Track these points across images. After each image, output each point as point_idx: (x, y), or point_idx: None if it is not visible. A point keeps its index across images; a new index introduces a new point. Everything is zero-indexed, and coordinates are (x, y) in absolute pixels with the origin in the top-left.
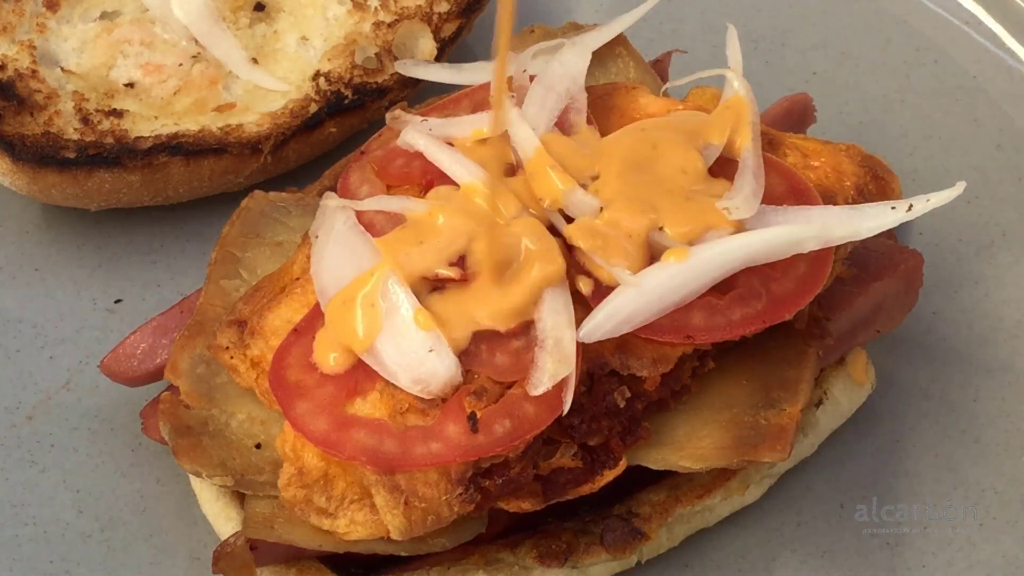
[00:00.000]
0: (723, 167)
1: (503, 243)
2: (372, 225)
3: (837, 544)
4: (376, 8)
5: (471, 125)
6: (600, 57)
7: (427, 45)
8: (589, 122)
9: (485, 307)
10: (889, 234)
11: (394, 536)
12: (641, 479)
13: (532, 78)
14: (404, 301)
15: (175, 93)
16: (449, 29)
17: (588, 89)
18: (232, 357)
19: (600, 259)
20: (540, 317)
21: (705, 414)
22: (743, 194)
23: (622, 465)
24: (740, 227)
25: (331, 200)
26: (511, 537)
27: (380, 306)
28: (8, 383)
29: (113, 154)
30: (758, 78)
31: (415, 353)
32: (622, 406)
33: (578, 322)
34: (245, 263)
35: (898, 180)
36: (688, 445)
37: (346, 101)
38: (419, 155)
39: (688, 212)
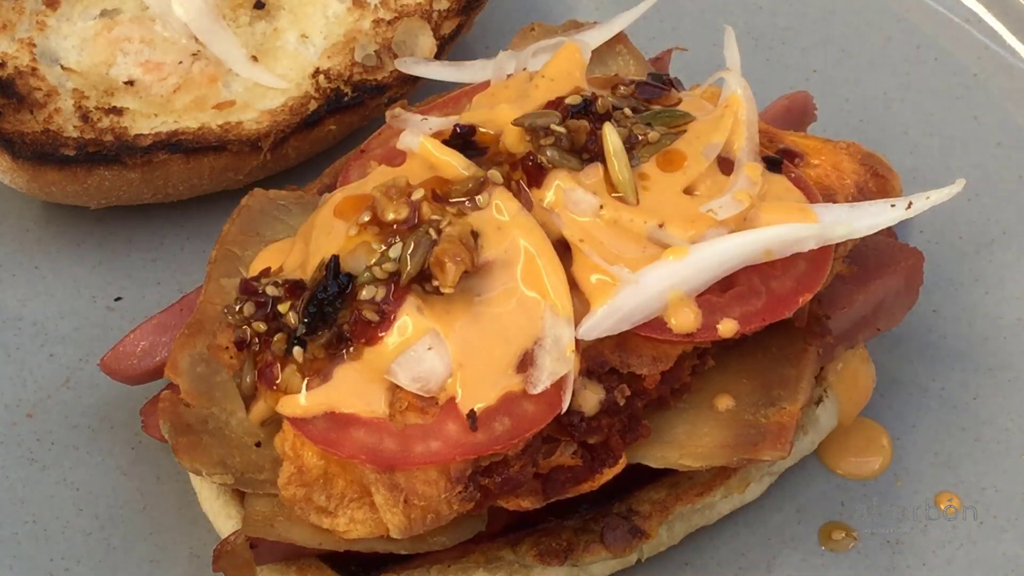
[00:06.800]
0: (725, 165)
1: (500, 243)
2: None
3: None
4: (376, 5)
5: None
6: (600, 55)
7: (427, 42)
8: None
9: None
10: (889, 232)
11: (394, 534)
12: (641, 477)
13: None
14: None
15: (175, 91)
16: (449, 26)
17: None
18: (232, 357)
19: (599, 258)
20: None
21: (705, 412)
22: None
23: (622, 463)
24: (741, 225)
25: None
26: (511, 535)
27: None
28: (8, 381)
29: (113, 152)
30: (758, 76)
31: (414, 351)
32: (622, 404)
33: (577, 320)
34: (245, 261)
35: (898, 178)
36: (688, 443)
37: (346, 99)
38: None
39: (688, 210)
